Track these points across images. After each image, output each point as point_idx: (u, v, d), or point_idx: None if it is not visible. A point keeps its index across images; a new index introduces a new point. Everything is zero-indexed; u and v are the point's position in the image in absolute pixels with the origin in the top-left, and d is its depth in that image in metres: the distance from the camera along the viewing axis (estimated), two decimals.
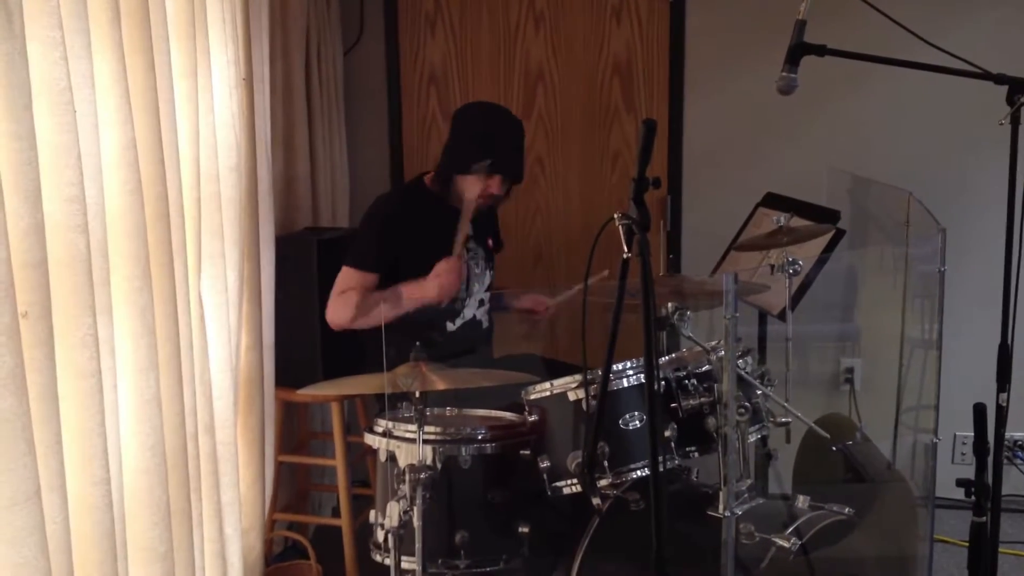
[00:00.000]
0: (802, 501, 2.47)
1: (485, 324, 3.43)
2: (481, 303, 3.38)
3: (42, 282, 1.81)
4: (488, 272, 3.41)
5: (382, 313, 3.10)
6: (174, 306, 2.38)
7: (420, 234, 3.19)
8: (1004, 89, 2.33)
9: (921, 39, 2.44)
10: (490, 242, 3.43)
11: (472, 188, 3.15)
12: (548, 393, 2.50)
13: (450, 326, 3.30)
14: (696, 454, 2.40)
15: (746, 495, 2.31)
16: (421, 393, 2.38)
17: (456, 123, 3.27)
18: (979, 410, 2.58)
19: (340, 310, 3.15)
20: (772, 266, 3.04)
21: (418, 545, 2.34)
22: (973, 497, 2.59)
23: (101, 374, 2.02)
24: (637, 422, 2.37)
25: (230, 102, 2.88)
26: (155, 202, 2.30)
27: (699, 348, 2.33)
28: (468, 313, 3.34)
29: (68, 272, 1.92)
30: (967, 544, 2.65)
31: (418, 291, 3.06)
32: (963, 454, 4.05)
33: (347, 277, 3.18)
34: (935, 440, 2.79)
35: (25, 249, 1.76)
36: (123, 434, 2.21)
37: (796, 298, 3.15)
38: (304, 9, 3.68)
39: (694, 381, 2.39)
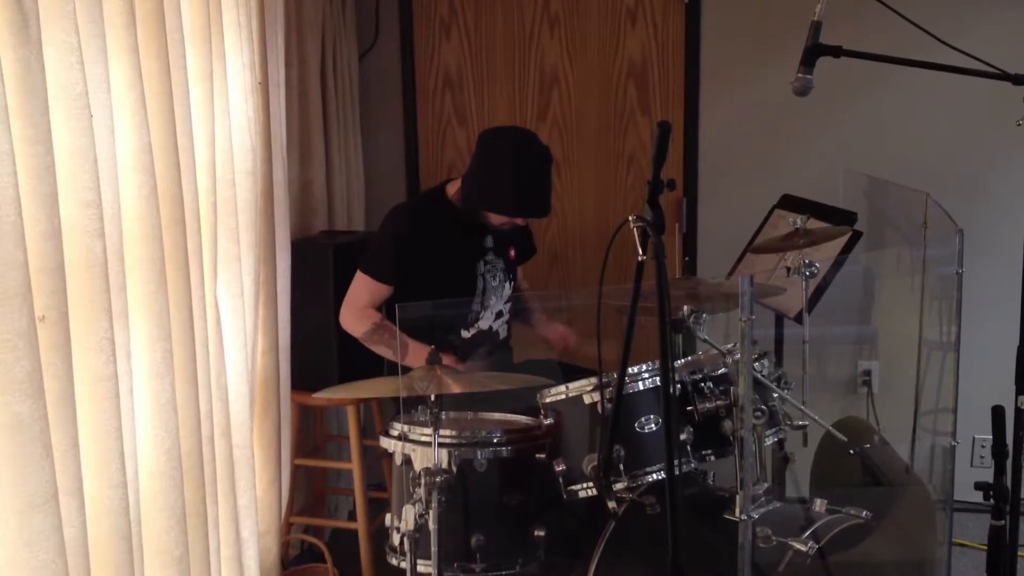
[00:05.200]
0: (819, 505, 2.46)
1: (502, 335, 3.41)
2: (499, 315, 3.37)
3: (59, 286, 1.82)
4: (507, 284, 3.40)
5: (382, 351, 3.18)
6: (190, 310, 2.39)
7: (436, 246, 3.19)
8: (1022, 90, 2.32)
9: (938, 39, 2.42)
10: (511, 253, 3.42)
11: (497, 219, 3.19)
12: (563, 396, 2.50)
13: (464, 334, 3.30)
14: (712, 457, 2.39)
15: (763, 499, 2.31)
16: (436, 397, 2.39)
17: (483, 155, 3.18)
18: (997, 413, 2.56)
19: (352, 324, 3.22)
20: (788, 268, 3.02)
21: (434, 549, 2.34)
22: (992, 500, 2.58)
23: (118, 378, 2.03)
24: (653, 425, 2.36)
25: (246, 106, 2.89)
26: (171, 206, 2.31)
27: (715, 351, 2.32)
28: (484, 324, 3.32)
29: (85, 276, 1.93)
30: (986, 548, 2.63)
31: (418, 361, 2.96)
32: (981, 457, 4.02)
33: (362, 284, 3.20)
34: (953, 443, 2.77)
35: (42, 253, 1.77)
36: (139, 438, 2.22)
37: (813, 300, 3.13)
38: (319, 13, 3.69)
39: (710, 384, 2.38)
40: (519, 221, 3.24)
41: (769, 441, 2.41)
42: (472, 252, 3.29)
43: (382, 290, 3.20)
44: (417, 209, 3.39)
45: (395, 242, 3.20)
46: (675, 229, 4.12)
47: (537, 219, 3.50)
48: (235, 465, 2.78)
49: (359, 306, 3.21)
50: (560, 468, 2.46)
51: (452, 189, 3.28)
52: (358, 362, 3.30)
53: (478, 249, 3.30)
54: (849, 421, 3.55)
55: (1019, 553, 2.69)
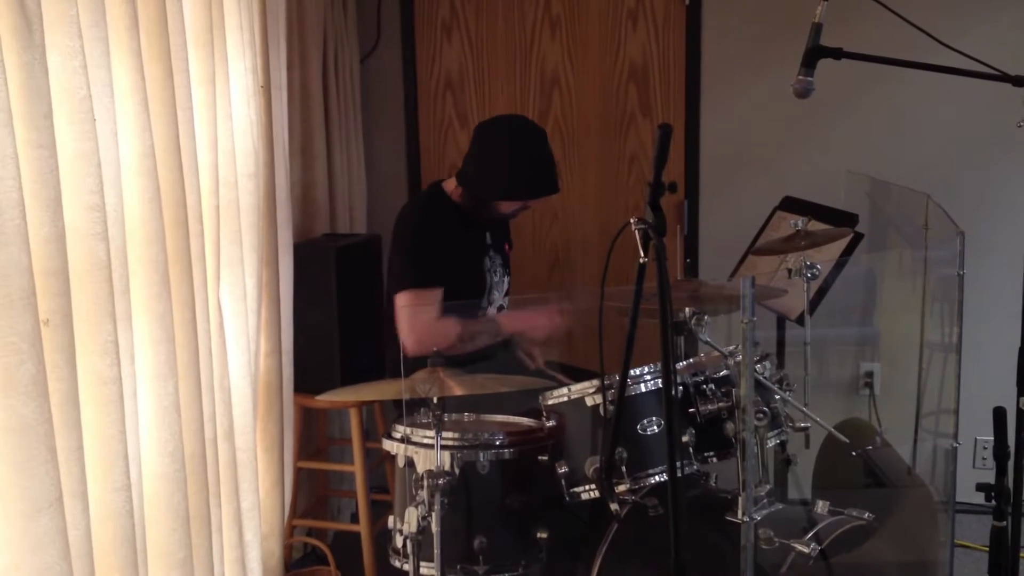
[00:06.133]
0: (821, 506, 2.46)
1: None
2: (500, 310, 3.38)
3: (63, 289, 1.82)
4: (506, 278, 3.42)
5: (481, 343, 3.15)
6: (193, 313, 2.40)
7: (450, 244, 3.18)
8: (1022, 91, 2.32)
9: (938, 41, 2.43)
10: (507, 247, 3.43)
11: (510, 208, 3.21)
12: (566, 398, 2.50)
13: None
14: (714, 459, 2.39)
15: (765, 500, 2.31)
16: (439, 399, 2.39)
17: (483, 147, 3.19)
18: (999, 414, 2.56)
19: (438, 338, 2.87)
20: (790, 270, 3.02)
21: (436, 551, 2.34)
22: (993, 501, 2.58)
23: (121, 381, 2.04)
24: (655, 427, 2.36)
25: (248, 109, 2.89)
26: (174, 209, 2.31)
27: (717, 353, 2.32)
28: None
29: (89, 279, 1.94)
30: (987, 549, 2.63)
31: (521, 323, 2.95)
32: (983, 458, 4.02)
33: (419, 301, 3.07)
34: (955, 444, 2.77)
35: (46, 257, 1.78)
36: (143, 440, 2.22)
37: (814, 302, 3.13)
38: (321, 16, 3.70)
39: (712, 386, 2.38)
40: (533, 204, 3.27)
41: (771, 443, 2.41)
42: (477, 249, 3.30)
43: (437, 294, 3.11)
44: (426, 209, 3.35)
45: (422, 243, 3.16)
46: (676, 231, 4.13)
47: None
48: (238, 468, 2.79)
49: (433, 321, 3.09)
50: (562, 470, 2.46)
51: (449, 188, 3.26)
52: (360, 364, 3.30)
53: (482, 246, 3.30)
54: (851, 423, 3.55)
55: (1021, 554, 2.69)
